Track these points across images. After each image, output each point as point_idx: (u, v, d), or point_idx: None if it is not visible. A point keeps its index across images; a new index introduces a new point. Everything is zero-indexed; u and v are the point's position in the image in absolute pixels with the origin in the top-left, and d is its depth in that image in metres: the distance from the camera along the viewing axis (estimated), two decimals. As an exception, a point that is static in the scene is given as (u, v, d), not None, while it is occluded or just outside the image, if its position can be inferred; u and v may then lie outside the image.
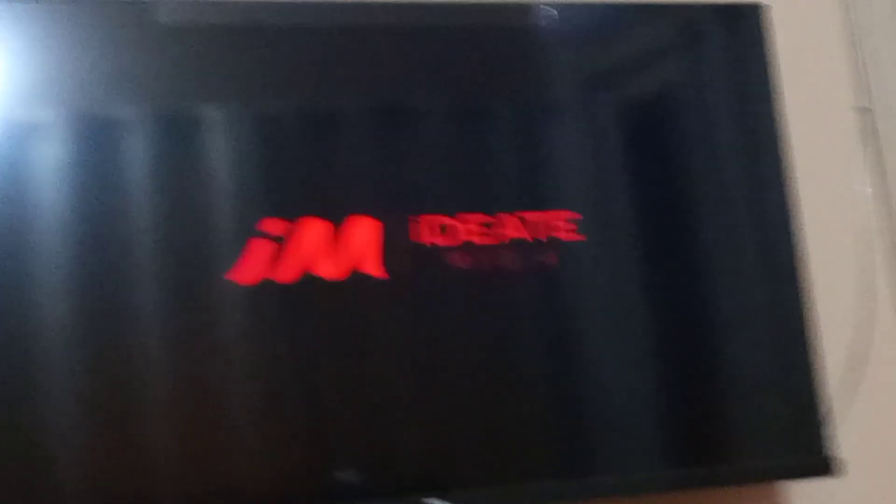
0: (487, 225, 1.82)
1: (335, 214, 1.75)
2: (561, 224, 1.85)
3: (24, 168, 1.64)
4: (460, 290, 1.80)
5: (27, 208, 1.63)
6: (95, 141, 1.68)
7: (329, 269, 1.74)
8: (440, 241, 1.79)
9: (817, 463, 1.89)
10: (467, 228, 1.81)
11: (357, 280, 1.75)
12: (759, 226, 1.95)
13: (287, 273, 1.72)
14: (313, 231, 1.74)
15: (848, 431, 1.99)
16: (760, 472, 1.90)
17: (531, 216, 1.83)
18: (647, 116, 1.94)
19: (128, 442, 1.63)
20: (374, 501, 1.71)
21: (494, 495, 1.77)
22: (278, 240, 1.72)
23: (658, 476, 1.85)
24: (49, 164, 1.65)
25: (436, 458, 1.75)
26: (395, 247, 1.77)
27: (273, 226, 1.72)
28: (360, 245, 1.76)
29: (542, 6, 1.91)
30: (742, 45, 2.00)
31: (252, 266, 1.71)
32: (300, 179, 1.77)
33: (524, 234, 1.83)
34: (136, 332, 1.66)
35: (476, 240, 1.80)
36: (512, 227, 1.82)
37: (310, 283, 1.73)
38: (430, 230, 1.79)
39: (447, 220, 1.80)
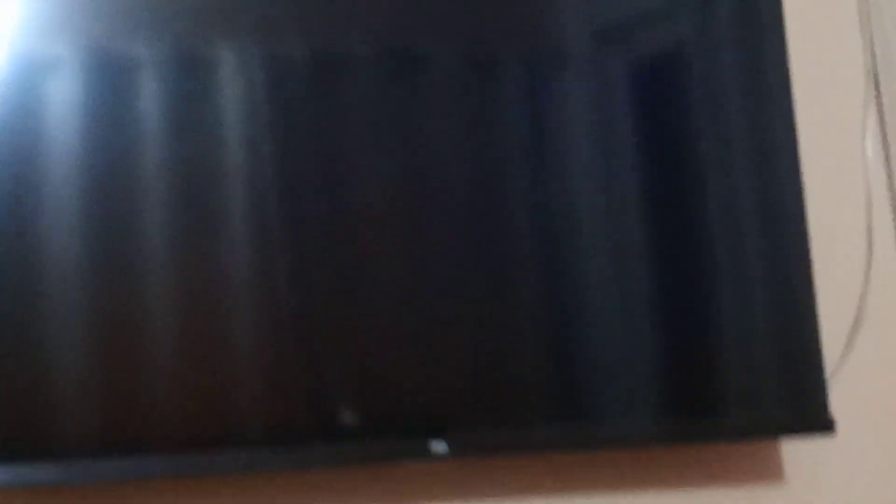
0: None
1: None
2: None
3: (36, 102, 1.63)
4: (463, 227, 1.80)
5: (40, 141, 1.62)
6: (107, 76, 1.67)
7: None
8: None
9: (814, 420, 1.90)
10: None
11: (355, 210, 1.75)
12: (764, 184, 1.95)
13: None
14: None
15: (844, 390, 2.00)
16: (757, 428, 1.91)
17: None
18: (657, 73, 1.94)
19: (131, 376, 1.63)
20: (375, 441, 1.72)
21: (492, 438, 1.77)
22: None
23: (654, 428, 1.86)
24: (61, 98, 1.64)
25: (436, 400, 1.76)
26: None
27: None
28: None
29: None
30: (755, 3, 2.00)
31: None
32: (306, 123, 1.76)
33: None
34: (143, 268, 1.66)
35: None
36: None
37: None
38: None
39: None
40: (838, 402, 2.00)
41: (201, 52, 1.73)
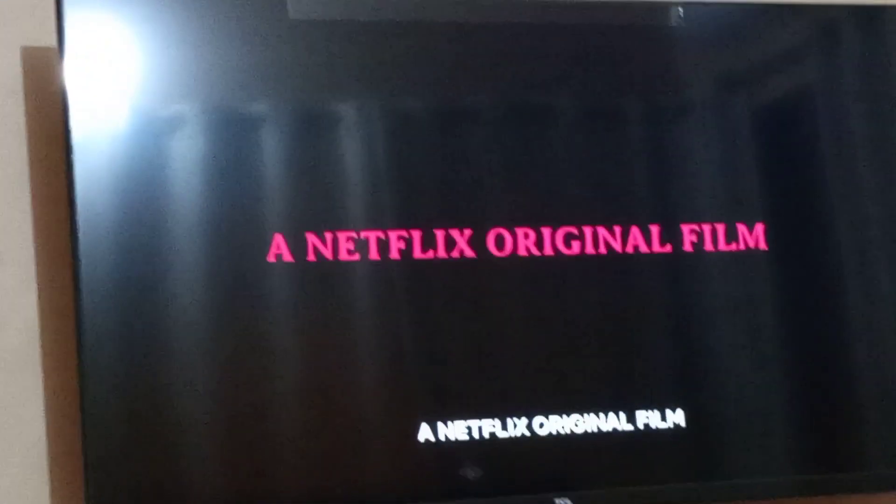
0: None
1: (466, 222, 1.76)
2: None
3: (158, 160, 1.66)
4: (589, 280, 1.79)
5: (164, 199, 1.65)
6: (228, 135, 1.69)
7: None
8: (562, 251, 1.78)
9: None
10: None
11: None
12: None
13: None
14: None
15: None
16: (890, 481, 1.87)
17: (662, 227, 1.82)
18: (782, 118, 1.92)
19: (260, 438, 1.65)
20: (500, 497, 1.71)
21: (619, 496, 1.75)
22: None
23: (783, 481, 1.83)
24: (184, 156, 1.66)
25: (560, 456, 1.74)
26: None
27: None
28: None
29: (675, 5, 1.89)
30: (880, 47, 1.97)
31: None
32: (429, 180, 1.77)
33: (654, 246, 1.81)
34: (268, 323, 1.67)
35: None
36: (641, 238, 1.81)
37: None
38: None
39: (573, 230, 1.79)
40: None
41: (322, 109, 1.74)
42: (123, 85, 1.66)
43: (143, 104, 1.67)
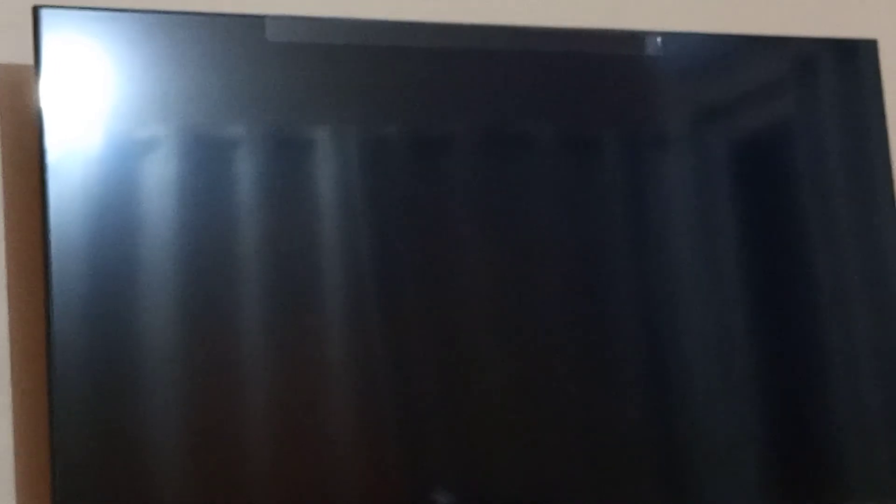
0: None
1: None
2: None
3: (134, 181, 1.65)
4: (564, 308, 1.80)
5: (137, 222, 1.64)
6: (204, 157, 1.69)
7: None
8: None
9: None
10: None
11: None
12: (870, 261, 1.93)
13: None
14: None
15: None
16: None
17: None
18: (759, 149, 1.92)
19: (229, 453, 1.64)
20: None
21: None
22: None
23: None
24: (157, 179, 1.66)
25: (535, 480, 1.74)
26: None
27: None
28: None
29: (653, 35, 1.90)
30: (856, 80, 1.97)
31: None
32: (406, 204, 1.77)
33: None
34: (240, 348, 1.67)
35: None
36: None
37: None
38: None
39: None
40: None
41: (297, 134, 1.74)
42: (100, 104, 1.65)
43: (118, 125, 1.66)
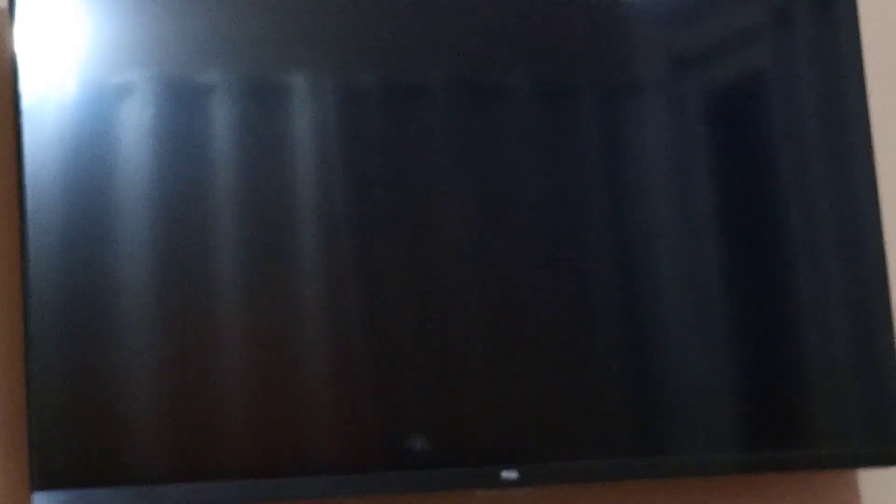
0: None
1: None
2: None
3: (108, 129, 1.64)
4: (540, 257, 1.80)
5: (112, 168, 1.63)
6: (180, 103, 1.68)
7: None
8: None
9: (893, 451, 1.87)
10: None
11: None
12: (843, 212, 1.93)
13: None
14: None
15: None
16: (836, 459, 1.89)
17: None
18: (734, 100, 1.93)
19: (202, 404, 1.64)
20: (446, 469, 1.72)
21: (564, 467, 1.76)
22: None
23: (730, 458, 1.85)
24: (132, 125, 1.65)
25: (508, 429, 1.75)
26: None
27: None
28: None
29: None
30: (834, 26, 1.98)
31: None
32: (381, 149, 1.76)
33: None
34: (215, 297, 1.66)
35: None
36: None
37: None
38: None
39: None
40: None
41: (273, 80, 1.74)
42: (75, 49, 1.64)
43: (94, 70, 1.65)
